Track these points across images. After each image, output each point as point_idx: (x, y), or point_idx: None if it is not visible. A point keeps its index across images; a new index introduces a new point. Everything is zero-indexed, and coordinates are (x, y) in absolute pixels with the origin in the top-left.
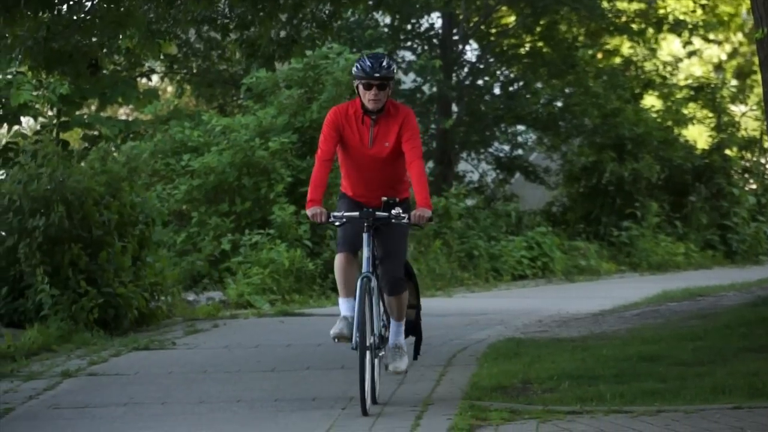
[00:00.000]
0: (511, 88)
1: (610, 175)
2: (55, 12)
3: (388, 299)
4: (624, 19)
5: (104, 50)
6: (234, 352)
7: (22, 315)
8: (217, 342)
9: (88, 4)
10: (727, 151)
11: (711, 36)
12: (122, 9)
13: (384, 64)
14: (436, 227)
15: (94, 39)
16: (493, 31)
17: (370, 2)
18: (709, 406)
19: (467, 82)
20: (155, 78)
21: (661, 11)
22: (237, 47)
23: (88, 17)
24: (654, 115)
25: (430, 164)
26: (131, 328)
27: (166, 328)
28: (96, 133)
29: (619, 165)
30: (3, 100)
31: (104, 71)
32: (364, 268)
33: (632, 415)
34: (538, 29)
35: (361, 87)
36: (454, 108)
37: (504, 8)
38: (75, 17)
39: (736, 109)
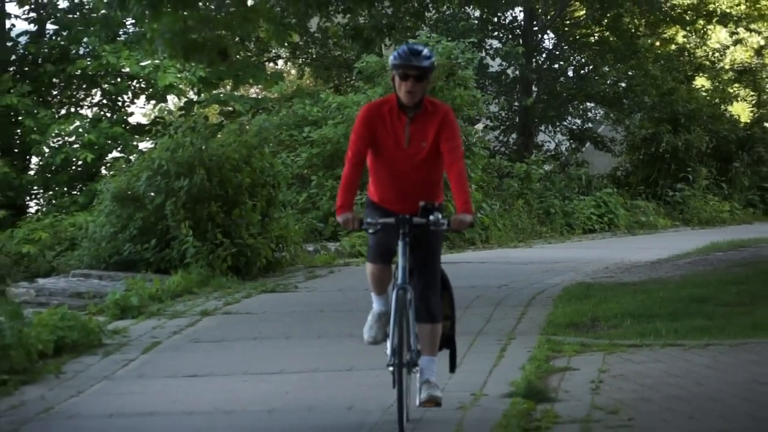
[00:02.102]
0: (582, 71)
1: (666, 145)
2: (192, 8)
3: (421, 327)
4: (678, 11)
5: (236, 39)
6: (347, 294)
7: (168, 263)
8: (332, 286)
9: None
10: (766, 124)
11: (753, 26)
12: (249, 5)
13: (424, 53)
14: (518, 189)
15: (224, 32)
16: (567, 22)
17: None
18: (750, 341)
19: (545, 66)
20: (281, 62)
21: (711, 5)
22: (347, 37)
23: (219, 13)
24: (704, 94)
25: (514, 135)
26: (260, 274)
27: (290, 274)
28: (230, 109)
29: (674, 136)
30: (152, 81)
31: (237, 57)
32: (399, 280)
33: (685, 348)
34: (605, 21)
35: (397, 77)
36: (534, 88)
37: (576, 3)
38: (208, 13)
39: None
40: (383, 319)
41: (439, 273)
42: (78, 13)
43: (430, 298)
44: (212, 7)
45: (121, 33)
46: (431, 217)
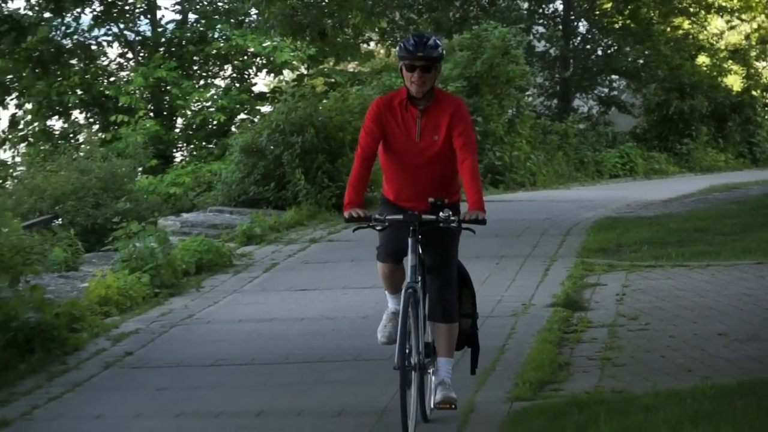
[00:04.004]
0: (609, 51)
1: (674, 109)
2: None
3: (437, 327)
4: (685, 4)
5: (336, 24)
6: None
7: (284, 201)
8: None
9: None
10: (753, 93)
11: (743, 16)
12: None
13: (431, 43)
14: (558, 143)
15: (323, 17)
16: (597, 12)
17: None
18: (741, 262)
19: (580, 47)
20: (372, 44)
21: None
22: (427, 24)
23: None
24: (704, 69)
25: (555, 101)
26: None
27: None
28: (333, 80)
29: (681, 102)
30: (271, 58)
31: (338, 40)
32: (408, 278)
33: (690, 268)
34: (627, 11)
35: (404, 69)
36: (571, 63)
37: None
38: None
39: (760, 64)
40: (397, 318)
41: (456, 271)
42: (213, 6)
43: (446, 297)
44: None
45: (246, 20)
46: (441, 214)
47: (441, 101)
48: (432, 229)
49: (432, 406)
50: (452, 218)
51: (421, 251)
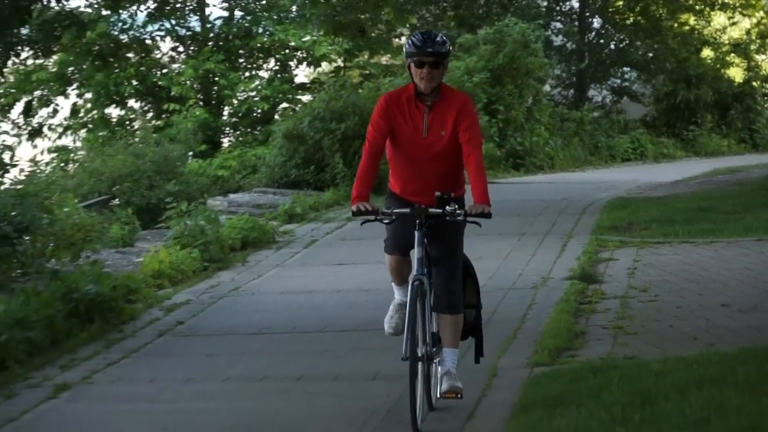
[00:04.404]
0: (621, 45)
1: (681, 98)
2: None
3: (442, 318)
4: (690, 2)
5: (369, 23)
6: None
7: (323, 183)
8: None
9: None
10: (754, 83)
11: (744, 12)
12: None
13: (438, 39)
14: (575, 129)
15: (361, 15)
16: (610, 9)
17: None
18: (742, 239)
19: (594, 41)
20: (403, 38)
21: None
22: (450, 20)
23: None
24: (708, 61)
25: (572, 91)
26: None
27: None
28: (367, 72)
29: (687, 92)
30: (310, 52)
31: (372, 35)
32: (415, 270)
33: (695, 244)
34: (637, 9)
35: (413, 65)
36: (587, 56)
37: None
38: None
39: (759, 57)
40: (404, 310)
41: (461, 263)
42: (258, 3)
43: (452, 288)
44: None
45: (288, 17)
46: (447, 208)
47: (448, 97)
48: (438, 222)
49: (438, 395)
50: (458, 212)
51: (426, 244)
